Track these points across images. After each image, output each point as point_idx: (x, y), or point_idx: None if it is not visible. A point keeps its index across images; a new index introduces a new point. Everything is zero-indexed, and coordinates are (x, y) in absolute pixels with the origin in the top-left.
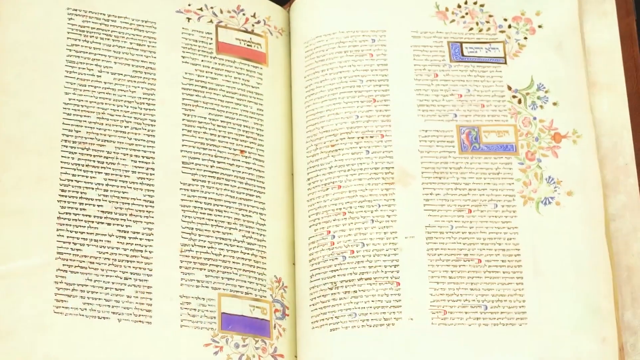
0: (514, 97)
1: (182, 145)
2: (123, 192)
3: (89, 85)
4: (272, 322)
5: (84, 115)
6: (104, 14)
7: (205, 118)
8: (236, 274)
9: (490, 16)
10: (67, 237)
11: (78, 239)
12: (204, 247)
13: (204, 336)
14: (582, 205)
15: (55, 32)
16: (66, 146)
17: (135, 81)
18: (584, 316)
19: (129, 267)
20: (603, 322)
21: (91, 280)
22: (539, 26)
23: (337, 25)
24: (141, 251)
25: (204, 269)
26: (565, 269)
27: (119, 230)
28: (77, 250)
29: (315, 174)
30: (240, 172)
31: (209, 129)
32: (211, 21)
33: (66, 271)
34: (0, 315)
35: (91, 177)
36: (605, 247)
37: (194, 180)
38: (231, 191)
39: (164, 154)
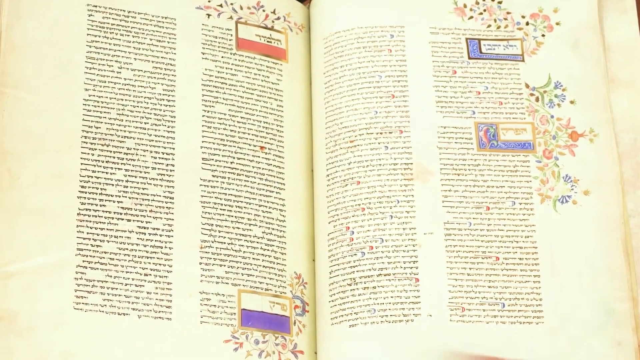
0: (531, 95)
1: (202, 142)
2: (143, 189)
3: (108, 82)
4: (292, 318)
5: (104, 112)
6: (124, 11)
7: (225, 114)
8: (256, 270)
9: (508, 13)
10: (87, 233)
11: (98, 235)
12: (224, 243)
13: (223, 332)
14: (598, 205)
15: (75, 28)
16: (86, 142)
17: (155, 77)
18: (599, 318)
19: (149, 263)
20: (618, 326)
21: (111, 276)
22: (557, 23)
23: (356, 21)
24: (161, 247)
25: (224, 265)
26: (580, 270)
27: (139, 227)
28: (97, 246)
29: (335, 170)
30: (260, 168)
31: (229, 125)
32: (231, 17)
33: (86, 267)
34: (20, 311)
35: (111, 174)
36: (621, 251)
37: (213, 176)
38: (251, 187)
39: (183, 150)
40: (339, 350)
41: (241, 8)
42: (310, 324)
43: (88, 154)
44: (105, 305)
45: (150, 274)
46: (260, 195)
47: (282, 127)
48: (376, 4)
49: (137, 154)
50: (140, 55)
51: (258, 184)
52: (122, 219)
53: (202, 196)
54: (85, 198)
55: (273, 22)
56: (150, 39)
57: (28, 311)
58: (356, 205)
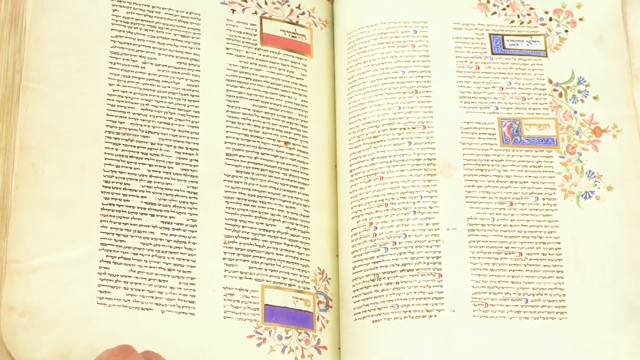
0: (554, 90)
1: (226, 137)
2: (167, 184)
3: (132, 77)
4: (315, 314)
5: (128, 107)
6: (148, 6)
7: (249, 109)
8: (280, 265)
9: (531, 9)
10: (111, 228)
11: (122, 230)
12: (248, 238)
13: (247, 328)
14: (621, 201)
15: (99, 23)
16: (110, 137)
17: (179, 73)
18: (622, 314)
19: (173, 258)
20: None
21: (134, 271)
22: (580, 19)
23: (379, 16)
24: (184, 242)
25: (248, 261)
26: (604, 265)
27: (163, 222)
28: (121, 241)
29: (358, 165)
30: (284, 163)
31: (253, 120)
32: (255, 12)
33: (109, 262)
34: (44, 306)
35: (135, 169)
36: None
37: (237, 171)
38: (275, 183)
39: (207, 146)
40: (363, 346)
41: (266, 3)
42: (334, 320)
43: (112, 148)
44: (129, 300)
45: (174, 269)
46: (284, 190)
47: (306, 122)
48: (400, 0)
49: (161, 149)
50: (164, 51)
51: (282, 179)
52: (146, 214)
53: (225, 191)
54: (109, 193)
55: (298, 17)
56: (175, 34)
57: (52, 306)
58: (379, 201)
